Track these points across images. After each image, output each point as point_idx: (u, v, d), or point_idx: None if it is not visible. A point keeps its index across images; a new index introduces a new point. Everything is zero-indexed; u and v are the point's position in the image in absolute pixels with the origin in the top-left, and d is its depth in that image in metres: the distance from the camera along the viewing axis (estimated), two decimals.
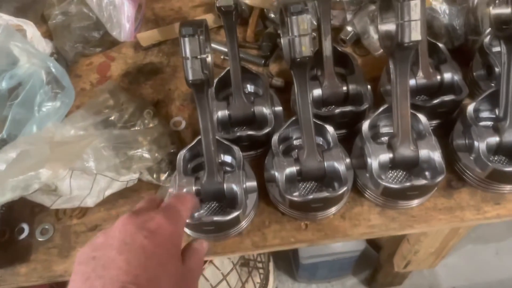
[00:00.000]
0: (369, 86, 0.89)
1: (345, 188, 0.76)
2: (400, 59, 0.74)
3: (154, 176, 0.87)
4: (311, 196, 0.75)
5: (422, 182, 0.74)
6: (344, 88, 0.89)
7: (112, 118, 0.90)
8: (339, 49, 0.92)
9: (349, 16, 1.04)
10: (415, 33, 0.69)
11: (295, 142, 0.88)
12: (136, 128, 0.91)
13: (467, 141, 0.82)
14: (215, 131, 0.77)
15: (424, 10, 0.76)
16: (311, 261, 1.76)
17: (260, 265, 1.64)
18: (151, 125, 0.93)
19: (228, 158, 0.86)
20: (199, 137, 0.79)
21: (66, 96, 0.82)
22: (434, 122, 0.89)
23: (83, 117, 0.88)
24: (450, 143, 0.85)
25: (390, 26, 0.77)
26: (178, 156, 0.81)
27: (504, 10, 0.79)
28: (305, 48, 0.70)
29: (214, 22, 1.10)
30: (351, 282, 2.07)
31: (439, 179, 0.75)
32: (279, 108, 0.91)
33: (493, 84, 0.89)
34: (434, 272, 2.05)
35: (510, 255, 2.09)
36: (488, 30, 0.94)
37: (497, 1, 0.80)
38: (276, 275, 2.03)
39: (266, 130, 0.84)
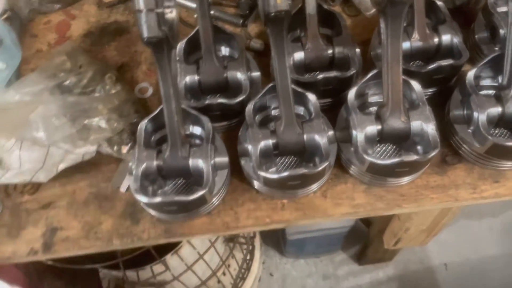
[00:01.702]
0: (357, 49, 0.79)
1: (325, 164, 0.67)
2: (392, 16, 0.63)
3: (115, 148, 0.78)
4: (286, 173, 0.66)
5: (413, 157, 0.66)
6: (330, 51, 0.79)
7: (67, 83, 0.79)
8: (325, 7, 0.82)
9: None
10: None
11: (274, 112, 0.79)
12: (95, 95, 0.81)
13: (465, 112, 0.73)
14: (179, 98, 0.68)
15: None
16: (298, 237, 1.70)
17: (244, 240, 1.58)
18: (113, 91, 0.83)
19: (197, 130, 0.77)
20: (161, 106, 0.70)
21: (10, 57, 0.72)
22: (430, 91, 0.80)
23: (34, 81, 0.77)
24: (446, 114, 0.76)
25: None
26: (138, 127, 0.72)
27: None
28: (280, 0, 0.60)
29: None
30: (340, 257, 2.02)
31: (432, 154, 0.66)
32: (256, 74, 0.81)
33: (497, 48, 0.79)
34: (425, 248, 2.00)
35: (503, 231, 2.04)
36: None
37: None
38: (263, 251, 1.98)
39: (240, 98, 0.75)
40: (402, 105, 0.69)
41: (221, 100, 0.74)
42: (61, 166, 0.76)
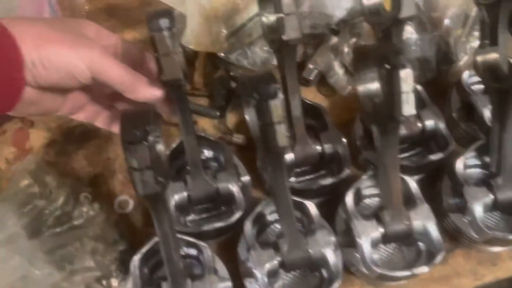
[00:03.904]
0: (344, 140, 0.78)
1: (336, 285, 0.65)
2: (391, 131, 0.63)
3: (104, 283, 0.71)
4: None
5: (425, 269, 0.66)
6: (318, 147, 0.78)
7: (39, 216, 0.72)
8: (308, 102, 0.80)
9: (309, 51, 0.91)
10: (408, 107, 0.57)
11: (269, 218, 0.76)
12: (74, 223, 0.74)
13: (458, 201, 0.74)
14: (177, 241, 0.63)
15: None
16: None
17: None
18: (91, 212, 0.76)
19: (193, 251, 0.72)
20: (155, 239, 0.66)
21: None
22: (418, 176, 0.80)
23: (2, 223, 0.69)
24: (436, 195, 0.77)
25: (371, 85, 0.65)
26: (131, 264, 0.66)
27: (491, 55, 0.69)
28: (282, 136, 0.57)
29: None
30: None
31: (438, 259, 0.67)
32: (246, 178, 0.77)
33: (475, 127, 0.81)
34: None
35: None
36: (463, 61, 0.86)
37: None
38: None
39: (237, 216, 0.71)
40: (403, 208, 0.69)
41: (219, 224, 0.70)
42: None
